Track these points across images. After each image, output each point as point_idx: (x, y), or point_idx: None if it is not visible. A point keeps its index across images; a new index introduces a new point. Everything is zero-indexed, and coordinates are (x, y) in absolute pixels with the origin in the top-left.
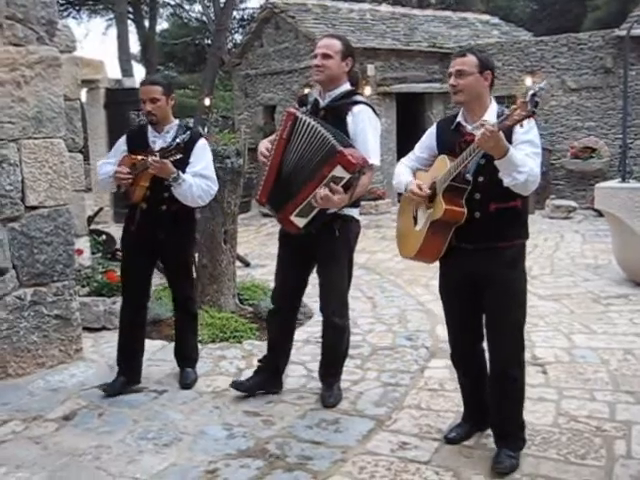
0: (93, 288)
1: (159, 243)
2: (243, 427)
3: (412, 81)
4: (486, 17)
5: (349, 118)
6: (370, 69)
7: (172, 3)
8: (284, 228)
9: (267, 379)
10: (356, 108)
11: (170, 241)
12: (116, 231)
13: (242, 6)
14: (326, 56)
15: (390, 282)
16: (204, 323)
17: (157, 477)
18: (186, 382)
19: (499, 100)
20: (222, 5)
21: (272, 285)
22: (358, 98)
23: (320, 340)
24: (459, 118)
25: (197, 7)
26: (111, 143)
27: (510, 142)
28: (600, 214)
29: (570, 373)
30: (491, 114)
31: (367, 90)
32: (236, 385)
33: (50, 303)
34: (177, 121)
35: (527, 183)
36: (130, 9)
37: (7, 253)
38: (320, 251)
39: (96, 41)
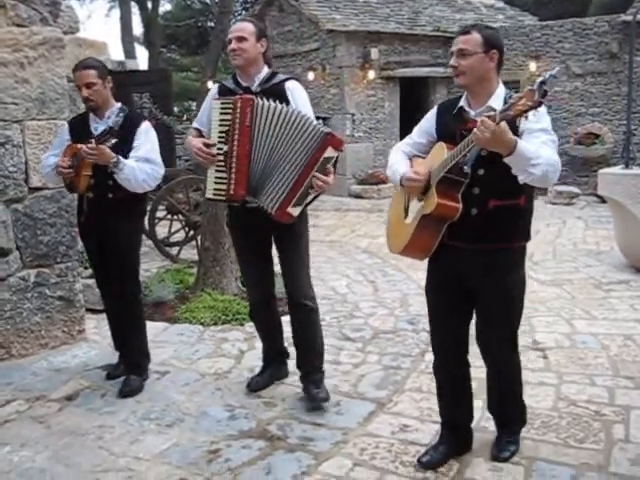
0: None
1: (107, 231)
2: (245, 409)
3: (416, 65)
4: (491, 1)
5: (288, 94)
6: (374, 53)
7: None
8: (278, 220)
9: (276, 369)
10: (289, 84)
11: (115, 229)
12: None
13: None
14: (241, 39)
15: (392, 266)
16: (206, 306)
17: (160, 457)
18: (122, 389)
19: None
20: None
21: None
22: (284, 76)
23: (322, 322)
24: (462, 102)
25: None
26: None
27: (516, 133)
28: (603, 200)
29: (570, 358)
30: (497, 99)
31: (370, 74)
32: (251, 387)
33: (53, 284)
34: (118, 105)
35: (547, 175)
36: None
37: (11, 234)
38: (285, 233)
39: (99, 22)
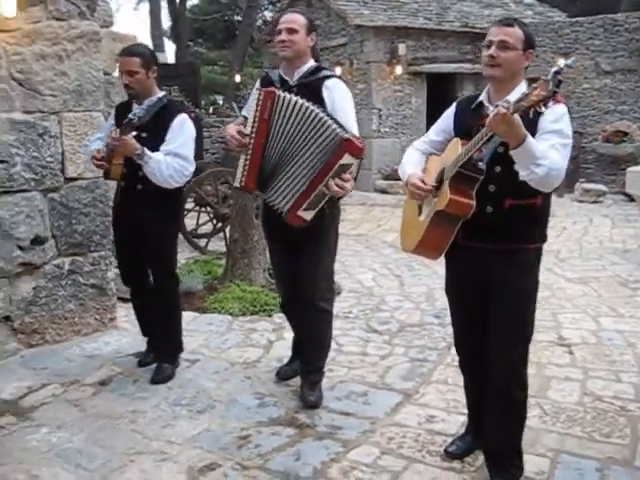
0: None
1: (138, 223)
2: (274, 397)
3: (443, 61)
4: None
5: (324, 93)
6: (401, 48)
7: None
8: (289, 223)
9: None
10: (329, 82)
11: (146, 222)
12: None
13: None
14: (292, 31)
15: (417, 261)
16: (235, 296)
17: (191, 441)
18: (154, 377)
19: (530, 83)
20: None
21: None
22: (328, 72)
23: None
24: (482, 97)
25: None
26: None
27: (535, 131)
28: (631, 199)
29: (596, 354)
30: (517, 94)
31: (398, 69)
32: (280, 375)
33: (87, 272)
34: (160, 94)
35: (548, 178)
36: None
37: (47, 223)
38: (308, 232)
39: (127, 16)
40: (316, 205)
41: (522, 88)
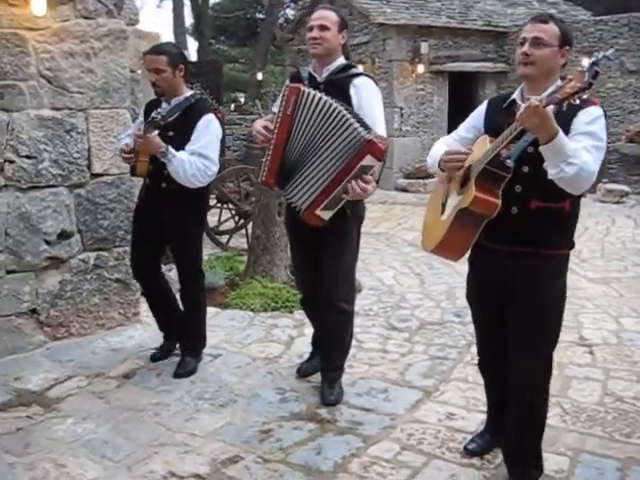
0: None
1: (162, 222)
2: (295, 392)
3: (465, 60)
4: None
5: (352, 91)
6: (424, 47)
7: None
8: (306, 221)
9: None
10: (357, 80)
11: (172, 221)
12: None
13: None
14: (323, 28)
15: (438, 260)
16: (257, 292)
17: (214, 434)
18: (177, 370)
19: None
20: None
21: None
22: (357, 70)
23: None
24: (515, 95)
25: None
26: None
27: (568, 132)
28: None
29: (617, 355)
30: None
31: (420, 68)
32: (300, 372)
33: (111, 267)
34: (188, 93)
35: (578, 179)
36: None
37: (73, 218)
38: (330, 231)
39: (150, 13)
40: (335, 205)
41: (557, 85)
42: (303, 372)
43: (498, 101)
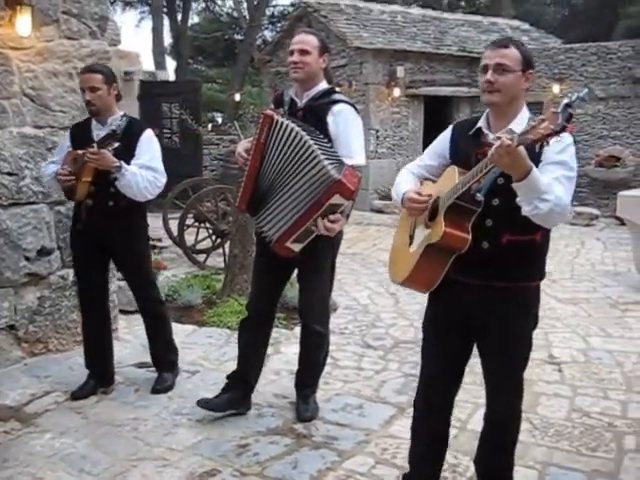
0: None
1: (109, 242)
2: (272, 408)
3: (440, 84)
4: (516, 23)
5: (329, 118)
6: (400, 71)
7: None
8: (276, 252)
9: (236, 397)
10: (336, 107)
11: (121, 240)
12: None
13: (273, 3)
14: (304, 52)
15: None
16: (233, 310)
17: (192, 449)
18: (155, 386)
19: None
20: (255, 2)
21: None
22: (337, 97)
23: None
24: (480, 123)
25: (229, 2)
26: None
27: (538, 161)
28: (622, 223)
29: (585, 373)
30: (520, 122)
31: (396, 91)
32: (202, 404)
33: None
34: (121, 113)
35: (551, 214)
36: (164, 2)
37: (53, 235)
38: (303, 257)
39: (129, 33)
40: (305, 238)
41: (524, 114)
42: (203, 405)
43: (464, 127)
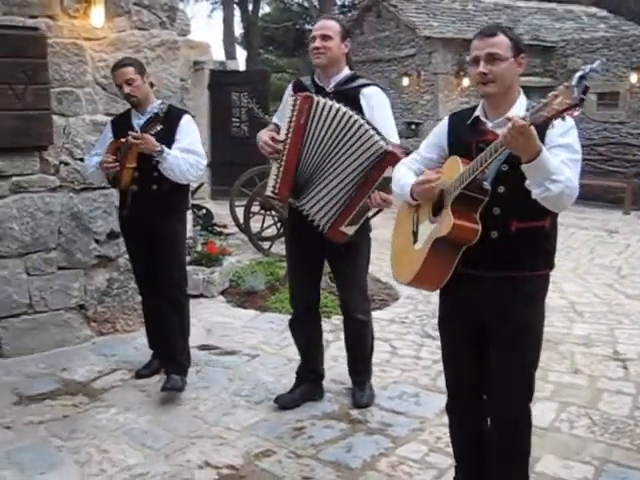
0: (194, 258)
1: (151, 224)
2: (329, 393)
3: None
4: (593, 10)
5: (362, 101)
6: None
7: None
8: (330, 239)
9: (308, 389)
10: (367, 90)
11: (160, 220)
12: (212, 207)
13: None
14: (326, 37)
15: None
16: None
17: (249, 429)
18: (165, 385)
19: (600, 97)
20: None
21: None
22: (365, 80)
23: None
24: (477, 112)
25: None
26: (212, 123)
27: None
28: None
29: None
30: (519, 109)
31: (465, 81)
32: (280, 402)
33: None
34: (159, 100)
35: (562, 197)
36: None
37: None
38: (341, 247)
39: (201, 24)
40: (359, 219)
41: (522, 101)
42: (281, 403)
43: (460, 117)
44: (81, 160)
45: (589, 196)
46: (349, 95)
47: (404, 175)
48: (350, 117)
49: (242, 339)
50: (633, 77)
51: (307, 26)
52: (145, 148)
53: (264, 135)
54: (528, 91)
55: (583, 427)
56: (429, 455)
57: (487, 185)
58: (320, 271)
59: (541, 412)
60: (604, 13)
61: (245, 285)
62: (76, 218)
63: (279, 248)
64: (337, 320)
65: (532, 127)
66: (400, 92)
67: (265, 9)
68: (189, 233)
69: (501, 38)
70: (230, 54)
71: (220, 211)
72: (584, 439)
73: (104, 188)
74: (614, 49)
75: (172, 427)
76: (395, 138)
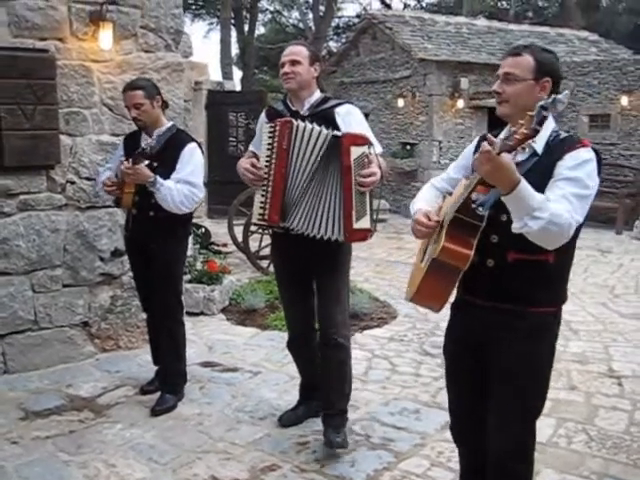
0: (194, 276)
1: (148, 246)
2: None
3: None
4: (584, 33)
5: (338, 119)
6: (463, 82)
7: (271, 9)
8: (354, 241)
9: (312, 405)
10: (341, 108)
11: (159, 249)
12: (209, 225)
13: (338, 14)
14: (295, 62)
15: None
16: None
17: (253, 444)
18: (155, 407)
19: (592, 119)
20: (321, 14)
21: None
22: (337, 101)
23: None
24: (502, 134)
25: (295, 14)
26: (210, 142)
27: (550, 177)
28: None
29: None
30: (541, 136)
31: (459, 103)
32: (284, 421)
33: None
34: (168, 124)
35: (545, 233)
36: (232, 14)
37: None
38: (321, 262)
39: (197, 44)
40: (364, 208)
41: (547, 124)
42: (285, 421)
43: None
44: (87, 179)
45: None
46: (325, 116)
47: (422, 197)
48: (317, 130)
49: (243, 356)
50: (624, 100)
51: None
52: (136, 179)
53: (244, 162)
54: None
55: (581, 442)
56: (431, 469)
57: (482, 211)
58: (311, 290)
59: (539, 427)
60: (595, 37)
61: (245, 303)
62: (81, 236)
63: None
64: None
65: (506, 157)
66: (395, 113)
67: (260, 30)
68: (189, 252)
69: (525, 58)
70: (227, 74)
71: (217, 230)
72: (582, 454)
73: (109, 207)
74: (605, 72)
75: (178, 442)
76: (377, 146)
